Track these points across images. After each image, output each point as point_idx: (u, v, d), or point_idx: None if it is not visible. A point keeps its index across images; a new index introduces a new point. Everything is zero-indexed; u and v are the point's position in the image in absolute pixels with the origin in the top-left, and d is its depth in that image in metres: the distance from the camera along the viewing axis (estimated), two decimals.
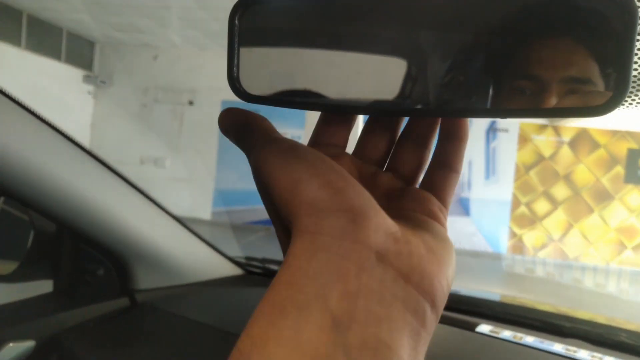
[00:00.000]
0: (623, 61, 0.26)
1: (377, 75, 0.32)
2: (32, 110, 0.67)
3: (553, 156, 6.82)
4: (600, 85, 0.28)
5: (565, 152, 6.79)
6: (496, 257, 6.92)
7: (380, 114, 0.34)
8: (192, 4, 5.51)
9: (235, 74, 0.34)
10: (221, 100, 7.16)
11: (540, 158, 6.86)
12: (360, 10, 0.32)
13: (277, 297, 0.23)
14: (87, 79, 7.57)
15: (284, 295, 0.23)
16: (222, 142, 7.45)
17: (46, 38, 6.78)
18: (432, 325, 0.25)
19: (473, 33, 0.30)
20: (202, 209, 7.40)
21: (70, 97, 7.26)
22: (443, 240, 0.28)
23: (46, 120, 0.69)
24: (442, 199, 0.32)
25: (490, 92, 0.31)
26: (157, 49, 7.58)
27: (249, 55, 0.34)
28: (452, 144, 0.33)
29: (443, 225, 0.31)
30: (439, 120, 0.34)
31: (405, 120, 0.36)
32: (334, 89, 0.33)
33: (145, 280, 0.88)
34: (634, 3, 0.26)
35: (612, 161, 6.69)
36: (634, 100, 0.50)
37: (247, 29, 0.33)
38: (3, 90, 0.63)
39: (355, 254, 0.24)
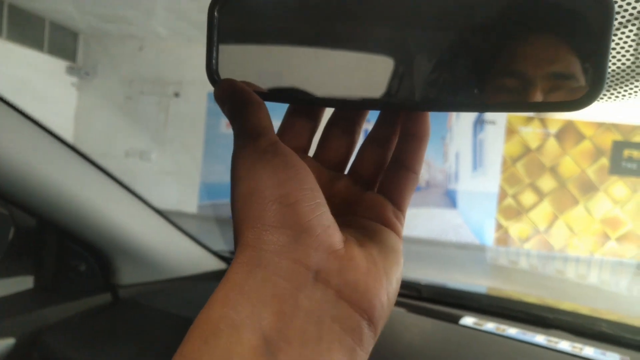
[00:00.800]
0: (600, 57, 0.27)
1: (363, 72, 0.32)
2: (11, 103, 0.66)
3: (539, 148, 6.90)
4: (582, 80, 0.28)
5: (552, 144, 6.86)
6: (482, 248, 6.99)
7: (366, 107, 0.34)
8: None
9: (214, 67, 0.33)
10: (207, 92, 7.11)
11: (526, 150, 6.93)
12: (346, 7, 0.32)
13: (212, 314, 0.23)
14: (70, 71, 7.46)
15: (219, 314, 0.23)
16: (209, 135, 7.42)
17: (28, 28, 6.66)
18: (370, 343, 0.25)
19: (457, 31, 0.30)
20: (189, 202, 7.37)
21: (53, 89, 7.15)
22: (392, 251, 0.28)
23: (25, 113, 0.68)
24: (399, 203, 0.32)
25: (476, 89, 0.31)
26: (143, 40, 7.48)
27: (229, 49, 0.33)
28: (412, 143, 0.32)
29: (398, 232, 0.31)
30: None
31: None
32: (318, 84, 0.33)
33: (128, 276, 0.87)
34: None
35: (598, 153, 6.78)
36: (612, 94, 0.50)
37: (227, 22, 0.33)
38: None
39: (293, 273, 0.24)
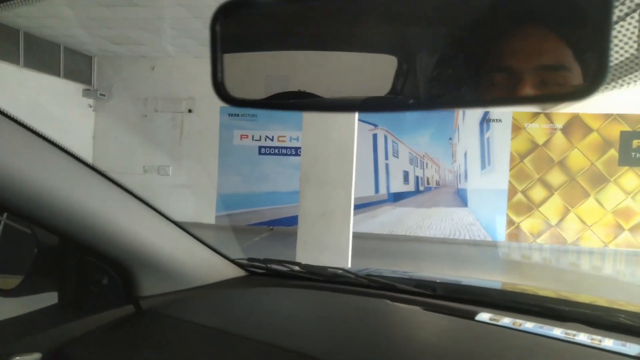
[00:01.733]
0: (602, 44, 0.27)
1: (367, 73, 0.33)
2: (30, 127, 0.68)
3: (547, 143, 6.86)
4: (576, 71, 0.28)
5: (559, 138, 6.82)
6: (495, 245, 6.97)
7: (372, 109, 0.35)
8: (186, 14, 5.52)
9: (220, 80, 0.34)
10: (219, 106, 7.18)
11: (534, 146, 6.89)
12: (344, 12, 0.32)
13: None
14: (86, 93, 7.62)
15: None
16: (222, 147, 7.48)
17: (44, 55, 6.81)
18: None
19: (449, 29, 0.31)
20: (207, 213, 7.44)
21: (71, 112, 7.31)
22: None
23: (45, 135, 0.70)
24: None
25: (470, 86, 0.31)
26: (154, 59, 7.61)
27: (233, 61, 0.34)
28: None
29: None
30: None
31: None
32: (322, 89, 0.33)
33: (149, 287, 0.88)
34: None
35: (606, 145, 6.72)
36: (616, 83, 0.50)
37: (228, 35, 0.34)
38: (2, 110, 0.64)
39: None
